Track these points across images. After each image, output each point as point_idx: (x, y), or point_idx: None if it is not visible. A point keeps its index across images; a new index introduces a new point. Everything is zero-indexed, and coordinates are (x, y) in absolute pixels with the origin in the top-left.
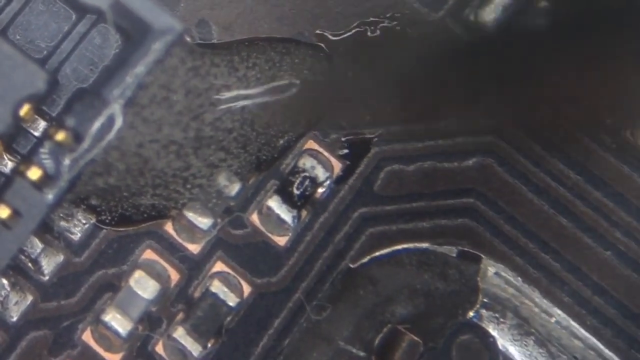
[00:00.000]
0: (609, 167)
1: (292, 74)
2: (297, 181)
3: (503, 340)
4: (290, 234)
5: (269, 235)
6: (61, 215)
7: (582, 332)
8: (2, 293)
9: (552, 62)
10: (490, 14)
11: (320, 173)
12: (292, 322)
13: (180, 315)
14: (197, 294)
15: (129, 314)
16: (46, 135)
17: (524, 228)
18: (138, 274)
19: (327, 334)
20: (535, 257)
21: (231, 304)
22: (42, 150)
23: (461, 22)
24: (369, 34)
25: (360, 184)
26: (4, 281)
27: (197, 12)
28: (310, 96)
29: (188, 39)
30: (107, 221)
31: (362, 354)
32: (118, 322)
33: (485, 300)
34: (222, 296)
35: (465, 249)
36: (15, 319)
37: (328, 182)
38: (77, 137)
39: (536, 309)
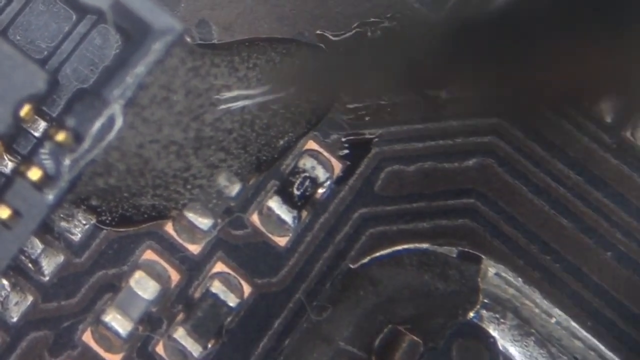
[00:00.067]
0: (609, 167)
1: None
2: (298, 182)
3: (503, 341)
4: (290, 235)
5: (270, 235)
6: (61, 215)
7: (583, 332)
8: (3, 293)
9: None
10: None
11: (321, 173)
12: (292, 323)
13: (181, 316)
14: (197, 295)
15: (129, 315)
16: (46, 136)
17: (524, 228)
18: (138, 274)
19: (328, 335)
20: (536, 258)
21: (231, 304)
22: (42, 150)
23: None
24: (369, 34)
25: (360, 185)
26: (5, 282)
27: (198, 12)
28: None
29: (188, 39)
30: (108, 222)
31: (362, 354)
32: (118, 322)
33: (485, 300)
34: (222, 297)
35: (466, 249)
36: (15, 319)
37: (328, 182)
38: (78, 138)
39: (536, 310)
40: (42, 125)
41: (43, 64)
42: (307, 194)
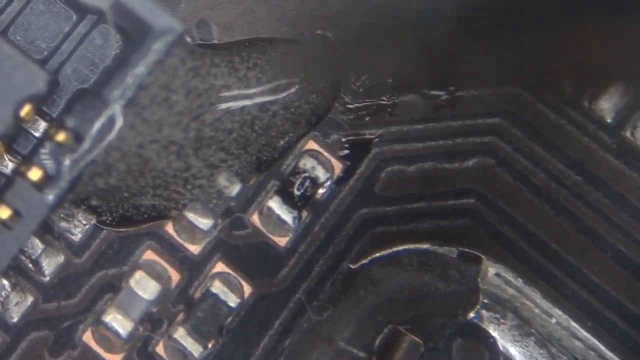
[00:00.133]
0: (609, 167)
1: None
2: (298, 182)
3: (503, 341)
4: (290, 235)
5: (270, 235)
6: (62, 215)
7: (583, 332)
8: (3, 294)
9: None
10: None
11: (321, 174)
12: (292, 323)
13: (181, 316)
14: (197, 295)
15: (130, 315)
16: (47, 136)
17: (524, 228)
18: (139, 274)
19: (328, 335)
20: (536, 258)
21: (232, 304)
22: (42, 150)
23: None
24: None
25: (360, 185)
26: (5, 282)
27: (198, 12)
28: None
29: (188, 39)
30: (108, 222)
31: (362, 354)
32: (118, 322)
33: (485, 301)
34: (222, 297)
35: (466, 249)
36: (15, 319)
37: (329, 182)
38: (78, 138)
39: (537, 310)
40: (42, 125)
41: (43, 64)
42: (308, 194)
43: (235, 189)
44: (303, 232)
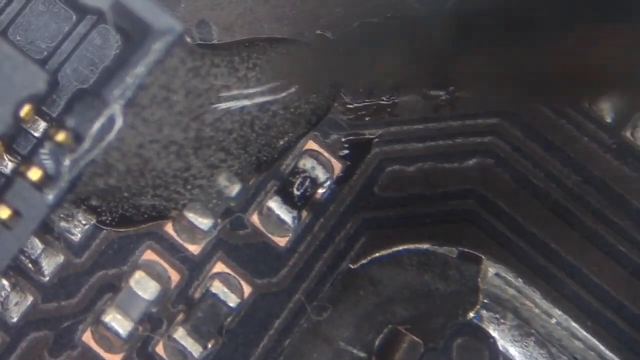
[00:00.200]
0: (608, 167)
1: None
2: (298, 182)
3: (503, 341)
4: (290, 235)
5: (270, 235)
6: (61, 215)
7: (583, 333)
8: (3, 294)
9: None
10: None
11: (321, 174)
12: (292, 323)
13: (181, 316)
14: (197, 295)
15: (130, 315)
16: (46, 136)
17: (524, 229)
18: (138, 274)
19: (328, 335)
20: (536, 258)
21: (231, 304)
22: (42, 150)
23: None
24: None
25: (360, 185)
26: (5, 282)
27: (198, 12)
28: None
29: (188, 39)
30: (108, 222)
31: (362, 354)
32: (118, 322)
33: (485, 301)
34: (222, 297)
35: (466, 249)
36: (15, 319)
37: (328, 182)
38: (78, 138)
39: (536, 310)
40: (42, 125)
41: (43, 64)
42: (307, 194)
43: (235, 189)
44: (303, 232)
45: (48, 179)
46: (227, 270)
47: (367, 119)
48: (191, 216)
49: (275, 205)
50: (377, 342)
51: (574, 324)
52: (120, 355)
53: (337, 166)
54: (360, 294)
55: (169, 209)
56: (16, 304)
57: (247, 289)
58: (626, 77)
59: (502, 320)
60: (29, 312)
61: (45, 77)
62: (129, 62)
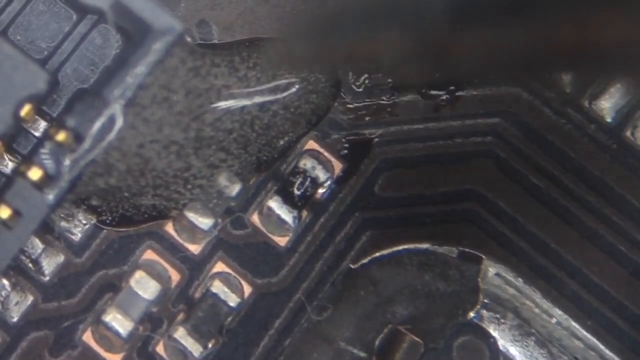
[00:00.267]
0: (609, 168)
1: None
2: (298, 182)
3: (504, 341)
4: (290, 235)
5: (270, 235)
6: (62, 215)
7: (583, 332)
8: (3, 293)
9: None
10: None
11: (321, 174)
12: (292, 323)
13: (181, 316)
14: (197, 295)
15: (130, 315)
16: (47, 136)
17: (524, 228)
18: (139, 274)
19: (328, 335)
20: (536, 258)
21: (232, 304)
22: (42, 150)
23: None
24: None
25: (360, 185)
26: (5, 281)
27: (198, 12)
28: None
29: (188, 39)
30: (108, 221)
31: (362, 354)
32: (119, 322)
33: (485, 300)
34: (222, 296)
35: (466, 249)
36: (15, 319)
37: (329, 182)
38: (78, 138)
39: (537, 310)
40: (43, 125)
41: (43, 64)
42: (308, 194)
43: (235, 188)
44: (303, 231)
45: (48, 179)
46: (228, 270)
47: (367, 118)
48: (191, 216)
49: (275, 205)
50: (377, 342)
51: (574, 324)
52: (121, 355)
53: (338, 166)
54: (361, 294)
55: (169, 208)
56: (16, 303)
57: (247, 289)
58: (628, 56)
59: (502, 320)
60: (30, 311)
61: (45, 76)
62: (130, 61)
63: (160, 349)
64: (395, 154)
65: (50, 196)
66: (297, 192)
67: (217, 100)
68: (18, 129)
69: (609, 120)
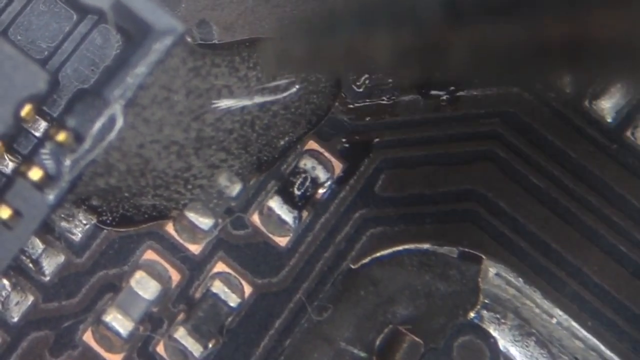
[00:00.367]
0: (609, 168)
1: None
2: (298, 182)
3: (504, 341)
4: (291, 235)
5: (270, 235)
6: (62, 215)
7: (583, 332)
8: (3, 293)
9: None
10: None
11: (321, 174)
12: (293, 323)
13: (181, 316)
14: (198, 295)
15: (130, 315)
16: (47, 136)
17: (524, 229)
18: (139, 274)
19: (328, 335)
20: (536, 258)
21: (232, 304)
22: (43, 150)
23: None
24: None
25: (361, 185)
26: (5, 282)
27: (198, 12)
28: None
29: (189, 39)
30: (108, 222)
31: (363, 354)
32: (119, 322)
33: (486, 301)
34: (223, 296)
35: (466, 249)
36: (16, 319)
37: (329, 182)
38: (78, 138)
39: (537, 310)
40: (43, 125)
41: (44, 64)
42: (308, 194)
43: (235, 188)
44: (303, 232)
45: (49, 179)
46: (228, 270)
47: (367, 119)
48: (192, 216)
49: (275, 205)
50: (377, 342)
51: (574, 324)
52: (121, 355)
53: (338, 166)
54: (361, 294)
55: (169, 208)
56: (17, 303)
57: (247, 289)
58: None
59: (502, 320)
60: (30, 311)
61: (46, 76)
62: (130, 62)
63: (160, 349)
64: (396, 154)
65: (51, 196)
66: (297, 192)
67: (217, 100)
68: (18, 129)
69: (609, 120)
